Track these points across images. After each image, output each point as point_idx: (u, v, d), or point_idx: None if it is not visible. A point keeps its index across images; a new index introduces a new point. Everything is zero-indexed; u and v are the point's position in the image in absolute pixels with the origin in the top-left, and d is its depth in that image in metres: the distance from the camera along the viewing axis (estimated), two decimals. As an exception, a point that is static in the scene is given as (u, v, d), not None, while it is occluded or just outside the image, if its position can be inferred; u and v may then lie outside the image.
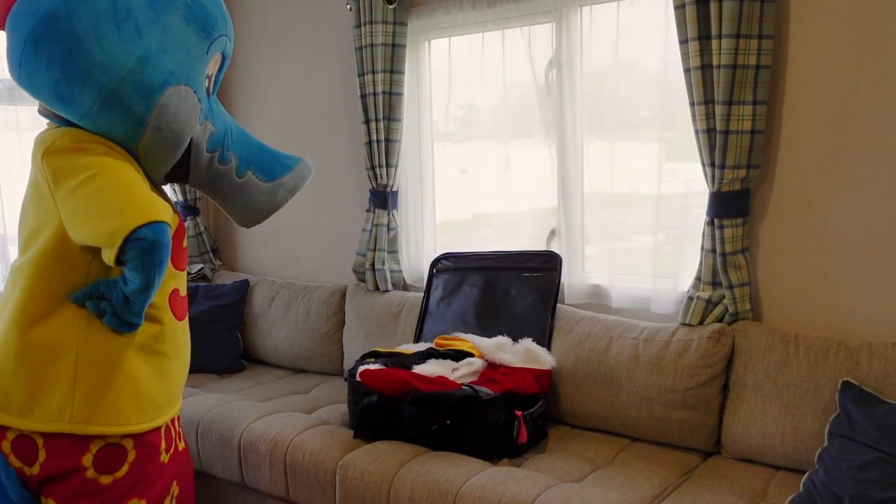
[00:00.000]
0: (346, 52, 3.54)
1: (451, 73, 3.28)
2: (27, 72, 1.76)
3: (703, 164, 2.49)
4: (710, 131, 2.45)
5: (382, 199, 3.35)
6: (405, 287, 3.48)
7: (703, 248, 2.55)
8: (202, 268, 3.92)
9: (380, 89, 3.23)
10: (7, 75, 3.35)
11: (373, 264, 3.38)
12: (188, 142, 1.89)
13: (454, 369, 2.63)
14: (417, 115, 3.40)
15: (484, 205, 3.21)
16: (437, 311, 3.09)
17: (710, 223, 2.51)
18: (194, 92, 1.85)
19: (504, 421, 2.46)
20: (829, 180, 2.40)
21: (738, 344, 2.45)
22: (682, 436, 2.49)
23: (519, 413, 2.47)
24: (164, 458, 1.92)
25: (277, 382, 3.39)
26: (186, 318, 2.01)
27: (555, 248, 3.04)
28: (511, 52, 3.04)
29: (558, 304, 2.88)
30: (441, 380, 2.52)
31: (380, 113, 3.25)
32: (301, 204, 3.82)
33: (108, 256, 1.67)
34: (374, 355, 2.82)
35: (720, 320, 2.54)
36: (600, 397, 2.62)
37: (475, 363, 2.65)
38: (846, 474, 1.94)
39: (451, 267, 3.12)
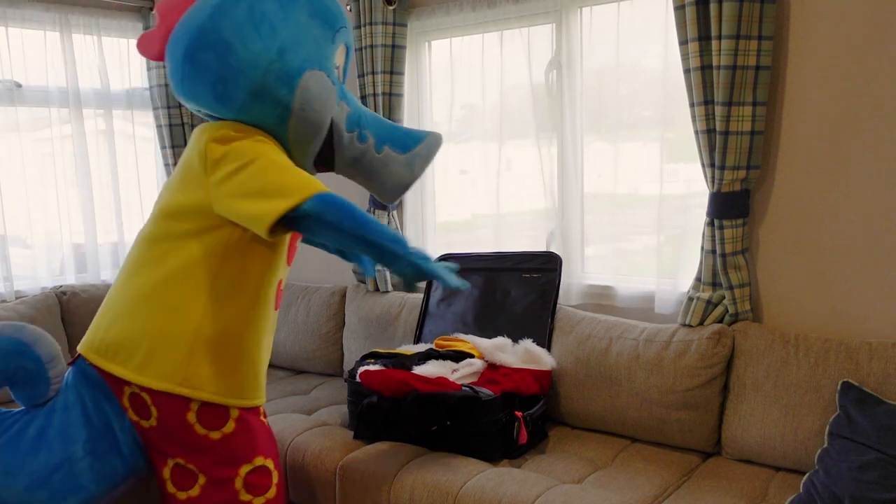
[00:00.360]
0: (346, 53, 3.54)
1: (451, 74, 3.28)
2: (189, 84, 2.05)
3: (703, 165, 2.49)
4: (709, 132, 2.45)
5: (382, 199, 3.35)
6: (405, 288, 3.48)
7: (703, 248, 2.55)
8: (202, 268, 3.92)
9: (380, 90, 3.24)
10: (8, 75, 3.35)
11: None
12: (329, 122, 2.11)
13: (454, 370, 2.63)
14: (417, 116, 3.40)
15: (484, 205, 3.21)
16: (436, 311, 3.09)
17: (710, 224, 2.51)
18: (328, 76, 2.10)
19: (504, 422, 2.46)
20: (828, 181, 2.40)
21: (738, 344, 2.45)
22: (682, 436, 2.49)
23: (519, 414, 2.47)
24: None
25: (277, 383, 3.39)
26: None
27: (555, 248, 3.04)
28: (511, 53, 3.04)
29: (558, 305, 2.88)
30: (441, 380, 2.51)
31: (380, 114, 3.25)
32: (301, 205, 3.82)
33: (262, 229, 1.90)
34: (374, 356, 2.82)
35: (720, 321, 2.54)
36: (600, 398, 2.62)
37: (475, 364, 2.65)
38: (846, 475, 1.94)
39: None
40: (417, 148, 2.21)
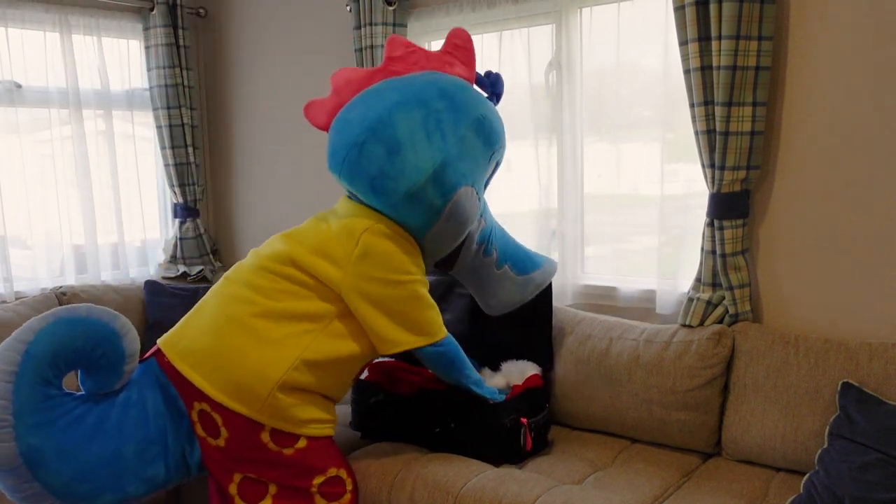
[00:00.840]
0: (346, 54, 3.54)
1: (451, 74, 3.28)
2: (349, 168, 2.17)
3: (703, 166, 2.49)
4: (709, 132, 2.45)
5: (382, 200, 3.35)
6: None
7: (703, 249, 2.55)
8: (202, 269, 3.92)
9: (380, 91, 3.23)
10: (8, 76, 3.35)
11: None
12: (466, 234, 2.28)
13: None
14: (417, 116, 3.39)
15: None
16: None
17: (710, 224, 2.51)
18: (477, 192, 2.24)
19: (508, 427, 2.45)
20: (828, 181, 2.40)
21: (738, 345, 2.45)
22: (682, 437, 2.49)
23: (524, 420, 2.46)
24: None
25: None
26: None
27: (555, 248, 3.03)
28: (511, 54, 3.04)
29: (559, 306, 2.88)
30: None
31: (380, 114, 3.25)
32: (301, 205, 3.82)
33: (386, 351, 2.21)
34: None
35: (720, 321, 2.54)
36: (600, 398, 2.62)
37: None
38: (847, 475, 1.94)
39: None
40: (534, 273, 2.40)
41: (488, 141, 2.25)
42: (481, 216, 2.34)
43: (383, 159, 2.11)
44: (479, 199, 2.26)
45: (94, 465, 1.99)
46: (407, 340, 2.18)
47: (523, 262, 2.36)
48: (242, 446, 2.10)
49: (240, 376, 2.07)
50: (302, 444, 2.15)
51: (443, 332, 2.25)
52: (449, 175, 2.13)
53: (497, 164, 2.39)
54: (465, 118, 2.18)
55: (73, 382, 2.86)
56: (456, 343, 2.31)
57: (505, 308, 2.39)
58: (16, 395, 1.90)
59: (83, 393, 2.11)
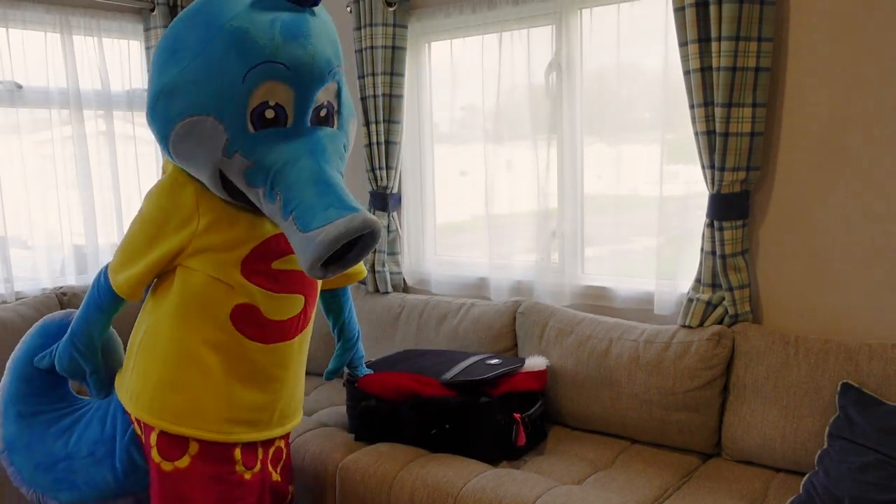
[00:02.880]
0: (346, 55, 3.54)
1: (451, 75, 3.29)
2: None
3: (703, 166, 2.49)
4: (709, 133, 2.46)
5: (382, 200, 3.36)
6: (405, 289, 3.49)
7: (702, 249, 2.55)
8: (202, 270, 3.92)
9: (380, 91, 3.24)
10: (9, 76, 3.36)
11: (373, 266, 3.38)
12: (215, 174, 1.86)
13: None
14: (417, 117, 3.40)
15: (484, 207, 3.21)
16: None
17: (710, 225, 2.51)
18: (221, 123, 1.80)
19: (503, 423, 2.46)
20: (828, 182, 2.40)
21: (737, 346, 2.45)
22: (682, 438, 2.49)
23: (517, 416, 2.47)
24: (244, 472, 2.04)
25: (277, 384, 3.39)
26: (282, 344, 2.06)
27: (554, 249, 3.04)
28: (511, 55, 3.04)
29: (558, 306, 2.88)
30: (439, 384, 2.52)
31: (380, 115, 3.25)
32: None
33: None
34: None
35: (720, 322, 2.54)
36: (600, 399, 2.62)
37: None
38: (846, 476, 1.94)
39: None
40: (316, 231, 1.71)
41: (241, 56, 1.76)
42: (241, 152, 1.81)
43: (149, 83, 1.91)
44: (226, 130, 1.80)
45: (54, 459, 2.12)
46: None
47: (310, 214, 1.73)
48: (146, 450, 2.07)
49: (128, 371, 2.11)
50: (183, 462, 2.01)
51: (112, 276, 2.01)
52: (173, 105, 1.82)
53: (298, 87, 1.82)
54: (216, 30, 1.78)
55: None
56: (110, 288, 2.01)
57: (304, 268, 1.76)
58: (12, 387, 2.19)
59: (86, 399, 2.23)
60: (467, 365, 2.65)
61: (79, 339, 2.07)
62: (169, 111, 1.82)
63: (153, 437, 2.00)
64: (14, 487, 2.60)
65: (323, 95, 1.88)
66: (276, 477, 2.18)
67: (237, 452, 2.03)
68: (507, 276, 3.13)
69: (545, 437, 2.65)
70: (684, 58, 2.45)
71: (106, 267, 2.05)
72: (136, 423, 2.07)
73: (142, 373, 2.01)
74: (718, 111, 2.40)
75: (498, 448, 2.46)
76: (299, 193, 1.77)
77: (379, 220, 3.32)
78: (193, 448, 1.98)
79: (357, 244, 1.82)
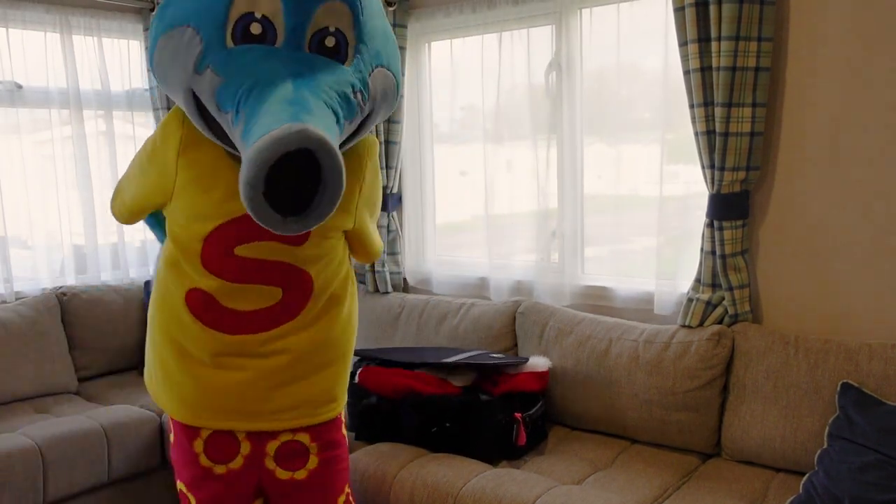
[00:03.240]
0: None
1: (451, 75, 3.29)
2: None
3: (703, 166, 2.49)
4: (709, 133, 2.46)
5: (382, 200, 3.36)
6: (405, 289, 3.49)
7: (702, 249, 2.55)
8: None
9: (380, 91, 3.23)
10: (9, 76, 3.36)
11: (373, 266, 3.38)
12: (187, 93, 1.59)
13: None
14: (417, 117, 3.40)
15: (484, 206, 3.21)
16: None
17: (710, 225, 2.51)
18: (198, 33, 1.55)
19: (504, 423, 2.46)
20: (828, 182, 2.40)
21: (737, 346, 2.45)
22: (681, 438, 2.49)
23: (518, 415, 2.47)
24: (213, 466, 1.88)
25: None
26: (257, 336, 1.79)
27: (554, 249, 3.04)
28: (511, 55, 3.04)
29: (558, 306, 2.88)
30: (440, 383, 2.52)
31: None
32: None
33: None
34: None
35: (720, 322, 2.54)
36: (600, 399, 2.62)
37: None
38: (846, 476, 1.94)
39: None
40: (250, 150, 1.38)
41: None
42: (209, 67, 1.53)
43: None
44: (202, 41, 1.55)
45: None
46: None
47: (256, 130, 1.41)
48: None
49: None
50: (172, 437, 1.94)
51: (111, 202, 1.92)
52: (165, 17, 1.62)
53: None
54: None
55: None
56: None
57: (254, 210, 1.41)
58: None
59: None
60: (470, 355, 2.67)
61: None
62: (156, 28, 1.63)
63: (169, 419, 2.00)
64: (14, 488, 2.60)
65: (325, 16, 1.57)
66: (285, 475, 1.94)
67: (198, 444, 1.86)
68: (507, 276, 3.13)
69: (545, 438, 2.65)
70: (684, 58, 2.45)
71: None
72: None
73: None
74: (718, 111, 2.40)
75: (498, 447, 2.46)
76: (260, 113, 1.43)
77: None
78: (175, 425, 1.91)
79: (320, 188, 1.43)
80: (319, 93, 1.50)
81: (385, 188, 3.34)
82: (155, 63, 1.65)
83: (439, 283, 3.35)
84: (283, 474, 1.93)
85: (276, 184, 1.39)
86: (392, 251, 3.42)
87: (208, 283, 1.73)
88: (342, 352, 1.91)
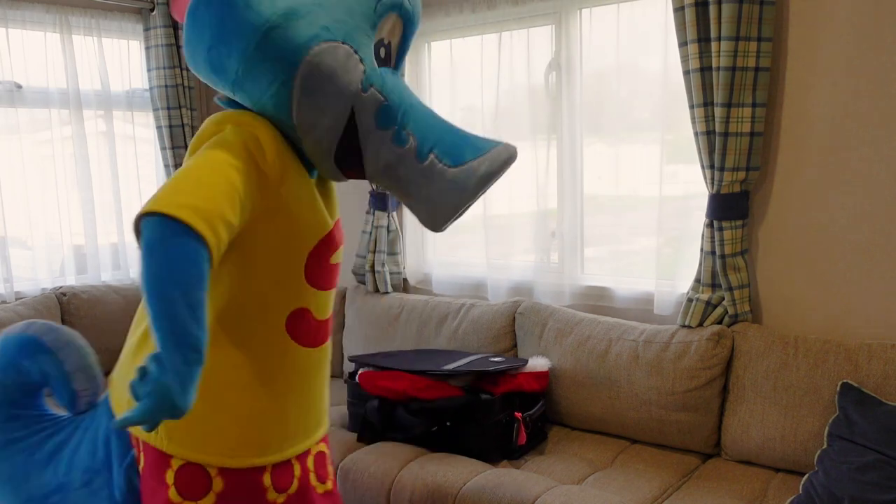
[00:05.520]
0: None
1: (451, 75, 3.29)
2: (189, 48, 1.64)
3: (703, 167, 2.49)
4: (709, 133, 2.46)
5: (382, 201, 3.36)
6: (405, 289, 3.49)
7: (702, 250, 2.55)
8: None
9: (380, 91, 3.23)
10: (9, 76, 3.36)
11: (373, 266, 3.38)
12: (347, 113, 1.59)
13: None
14: (417, 117, 3.40)
15: (483, 207, 3.21)
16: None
17: (710, 225, 2.51)
18: (356, 53, 1.57)
19: (504, 423, 2.47)
20: (828, 182, 2.40)
21: (737, 346, 2.45)
22: (681, 438, 2.50)
23: (518, 415, 2.48)
24: (276, 497, 1.69)
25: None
26: (325, 345, 1.73)
27: (554, 249, 3.04)
28: (511, 55, 3.04)
29: (558, 307, 2.88)
30: (440, 386, 2.52)
31: (380, 115, 3.25)
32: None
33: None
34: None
35: (720, 322, 2.54)
36: (600, 399, 2.62)
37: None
38: (846, 476, 1.94)
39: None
40: (476, 161, 1.56)
41: None
42: (374, 86, 1.59)
43: (214, 24, 1.56)
44: (362, 61, 1.59)
45: (46, 492, 1.81)
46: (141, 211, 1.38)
47: (459, 147, 1.57)
48: (151, 482, 1.64)
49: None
50: (209, 501, 1.61)
51: (168, 209, 1.31)
52: (299, 28, 1.54)
53: (407, 21, 1.69)
54: None
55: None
56: (181, 243, 1.31)
57: (446, 216, 1.62)
58: None
59: (66, 415, 1.87)
60: (470, 360, 2.67)
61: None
62: (291, 41, 1.54)
63: (170, 475, 1.61)
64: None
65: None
66: (322, 488, 1.83)
67: (266, 478, 1.66)
68: (507, 276, 3.13)
69: (545, 438, 2.66)
70: (684, 58, 2.45)
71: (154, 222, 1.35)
72: (138, 448, 1.70)
73: None
74: (718, 111, 2.40)
75: (498, 447, 2.46)
76: (434, 132, 1.59)
77: (378, 218, 3.30)
78: (218, 484, 1.62)
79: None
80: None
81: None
82: (305, 83, 1.57)
83: (439, 284, 3.35)
84: (320, 488, 1.82)
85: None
86: (392, 251, 3.42)
87: (313, 298, 1.66)
88: None
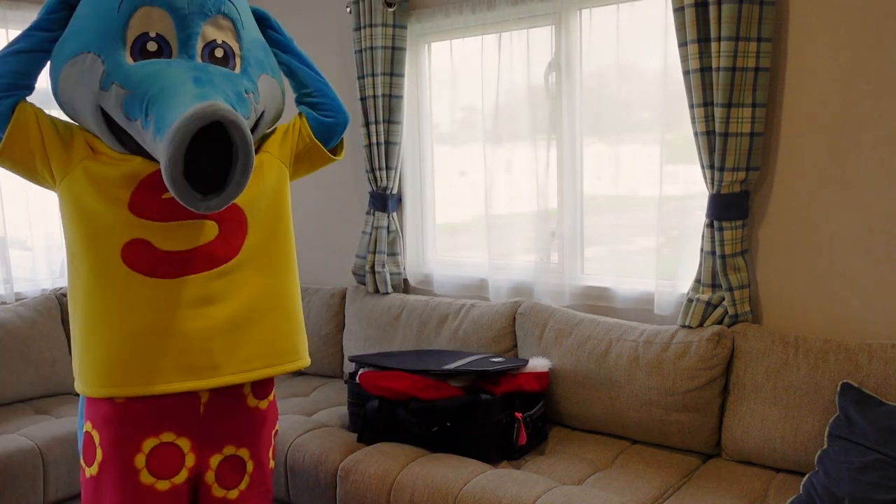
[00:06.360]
0: (346, 55, 3.54)
1: (451, 75, 3.29)
2: None
3: (703, 167, 2.49)
4: (709, 133, 2.46)
5: (382, 201, 3.36)
6: (405, 289, 3.49)
7: (702, 250, 2.55)
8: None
9: (380, 92, 3.24)
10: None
11: (373, 267, 3.38)
12: (95, 112, 1.73)
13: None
14: (417, 117, 3.40)
15: (484, 207, 3.22)
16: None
17: (710, 225, 2.52)
18: (99, 56, 1.71)
19: (504, 423, 2.47)
20: (828, 182, 2.40)
21: (737, 346, 2.45)
22: (682, 438, 2.49)
23: (519, 415, 2.48)
24: (153, 481, 1.78)
25: (277, 385, 3.39)
26: (184, 279, 1.76)
27: (554, 249, 3.04)
28: (510, 55, 3.04)
29: (557, 307, 2.88)
30: (440, 386, 2.52)
31: (380, 116, 3.26)
32: (301, 206, 3.82)
33: None
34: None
35: (720, 322, 2.54)
36: (600, 399, 2.62)
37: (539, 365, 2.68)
38: (846, 476, 1.94)
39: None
40: (168, 132, 1.53)
41: None
42: (115, 83, 1.69)
43: None
44: (103, 62, 1.71)
45: None
46: None
47: (167, 120, 1.57)
48: None
49: None
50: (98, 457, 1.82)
51: None
52: (63, 51, 1.77)
53: (173, 9, 1.73)
54: None
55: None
56: None
57: (171, 188, 1.56)
58: None
59: None
60: (470, 360, 2.67)
61: None
62: (57, 59, 1.78)
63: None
64: (14, 489, 2.60)
65: (213, 31, 1.78)
66: (220, 492, 1.88)
67: (139, 459, 1.77)
68: (507, 276, 3.13)
69: (546, 439, 2.66)
70: (684, 58, 2.46)
71: None
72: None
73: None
74: (718, 111, 2.40)
75: (498, 447, 2.46)
76: (163, 110, 1.60)
77: (378, 219, 3.33)
78: (92, 416, 1.80)
79: (234, 164, 1.60)
80: (218, 90, 1.68)
81: (385, 189, 3.35)
82: (60, 90, 1.78)
83: (439, 284, 3.35)
84: (218, 492, 1.88)
85: (193, 165, 1.57)
86: (392, 251, 3.42)
87: (144, 229, 1.74)
88: (292, 300, 1.93)
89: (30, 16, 3.37)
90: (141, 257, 1.73)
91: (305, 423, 2.78)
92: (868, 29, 2.28)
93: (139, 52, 1.72)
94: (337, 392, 3.23)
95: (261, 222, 1.88)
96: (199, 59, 1.76)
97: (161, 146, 1.54)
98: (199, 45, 1.77)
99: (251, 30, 1.90)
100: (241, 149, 1.58)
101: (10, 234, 3.42)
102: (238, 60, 1.84)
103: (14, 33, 3.37)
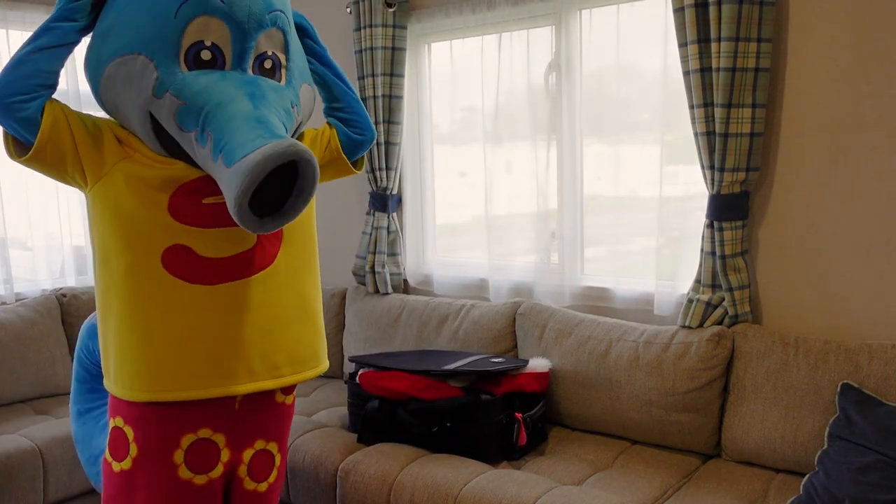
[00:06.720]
0: (346, 56, 3.54)
1: (451, 76, 3.29)
2: None
3: (703, 167, 2.49)
4: (709, 134, 2.46)
5: (382, 201, 3.36)
6: (405, 290, 3.49)
7: (702, 250, 2.55)
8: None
9: (380, 92, 3.24)
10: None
11: (373, 267, 3.38)
12: (143, 116, 1.73)
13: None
14: (417, 118, 3.41)
15: (484, 207, 3.22)
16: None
17: (710, 226, 2.52)
18: (152, 61, 1.69)
19: (504, 423, 2.47)
20: (828, 183, 2.40)
21: (737, 346, 2.45)
22: (682, 438, 2.49)
23: (519, 415, 2.48)
24: (191, 476, 1.82)
25: (277, 385, 3.39)
26: (224, 286, 1.77)
27: (554, 250, 3.04)
28: (511, 55, 3.04)
29: (558, 307, 2.88)
30: (440, 386, 2.52)
31: (380, 116, 3.26)
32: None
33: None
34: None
35: (720, 323, 2.54)
36: (600, 400, 2.62)
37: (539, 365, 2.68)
38: (846, 476, 1.94)
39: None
40: (238, 163, 1.56)
41: None
42: (171, 91, 1.68)
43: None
44: (156, 67, 1.69)
45: (97, 453, 2.13)
46: None
47: (236, 148, 1.58)
48: None
49: None
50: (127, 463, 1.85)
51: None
52: (106, 47, 1.73)
53: (232, 22, 1.71)
54: None
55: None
56: None
57: (233, 211, 1.59)
58: (73, 387, 2.27)
59: None
60: (470, 360, 2.67)
61: None
62: (101, 53, 1.74)
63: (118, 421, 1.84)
64: (14, 489, 2.61)
65: (266, 42, 1.79)
66: (251, 485, 1.94)
67: (178, 455, 1.81)
68: (507, 276, 3.14)
69: (546, 439, 2.66)
70: (684, 59, 2.46)
71: None
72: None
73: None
74: (718, 112, 2.40)
75: (498, 448, 2.46)
76: (231, 132, 1.61)
77: (379, 220, 3.33)
78: (126, 417, 1.81)
79: (294, 191, 1.65)
80: (272, 109, 1.71)
81: (385, 189, 3.35)
82: (102, 88, 1.76)
83: (440, 284, 3.35)
84: (249, 485, 1.94)
85: (256, 191, 1.61)
86: (392, 252, 3.42)
87: (186, 235, 1.75)
88: (317, 307, 1.97)
89: (30, 16, 3.37)
90: (182, 263, 1.74)
91: (305, 424, 2.78)
92: (868, 29, 2.28)
93: (192, 59, 1.72)
94: (337, 392, 3.23)
95: (294, 231, 1.90)
96: (250, 71, 1.78)
97: (229, 173, 1.57)
98: (252, 57, 1.78)
99: (294, 36, 1.91)
100: (309, 183, 1.64)
101: (10, 234, 3.42)
102: (283, 71, 1.85)
103: (14, 33, 3.37)
